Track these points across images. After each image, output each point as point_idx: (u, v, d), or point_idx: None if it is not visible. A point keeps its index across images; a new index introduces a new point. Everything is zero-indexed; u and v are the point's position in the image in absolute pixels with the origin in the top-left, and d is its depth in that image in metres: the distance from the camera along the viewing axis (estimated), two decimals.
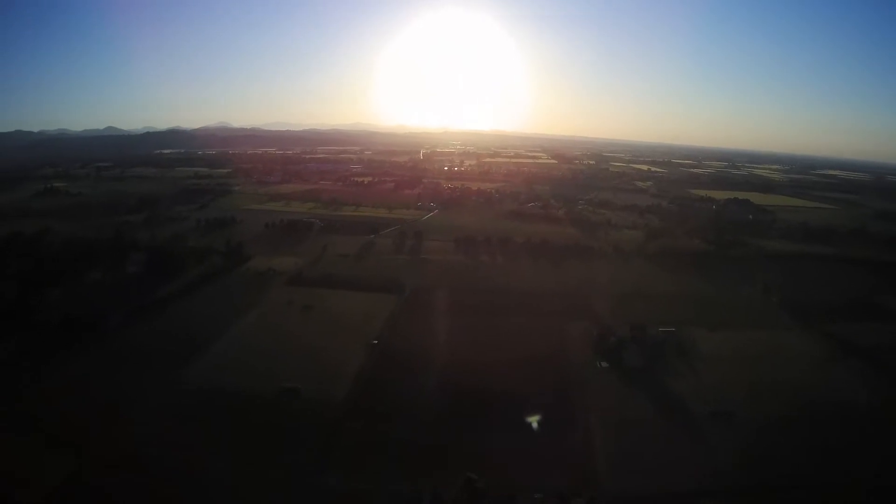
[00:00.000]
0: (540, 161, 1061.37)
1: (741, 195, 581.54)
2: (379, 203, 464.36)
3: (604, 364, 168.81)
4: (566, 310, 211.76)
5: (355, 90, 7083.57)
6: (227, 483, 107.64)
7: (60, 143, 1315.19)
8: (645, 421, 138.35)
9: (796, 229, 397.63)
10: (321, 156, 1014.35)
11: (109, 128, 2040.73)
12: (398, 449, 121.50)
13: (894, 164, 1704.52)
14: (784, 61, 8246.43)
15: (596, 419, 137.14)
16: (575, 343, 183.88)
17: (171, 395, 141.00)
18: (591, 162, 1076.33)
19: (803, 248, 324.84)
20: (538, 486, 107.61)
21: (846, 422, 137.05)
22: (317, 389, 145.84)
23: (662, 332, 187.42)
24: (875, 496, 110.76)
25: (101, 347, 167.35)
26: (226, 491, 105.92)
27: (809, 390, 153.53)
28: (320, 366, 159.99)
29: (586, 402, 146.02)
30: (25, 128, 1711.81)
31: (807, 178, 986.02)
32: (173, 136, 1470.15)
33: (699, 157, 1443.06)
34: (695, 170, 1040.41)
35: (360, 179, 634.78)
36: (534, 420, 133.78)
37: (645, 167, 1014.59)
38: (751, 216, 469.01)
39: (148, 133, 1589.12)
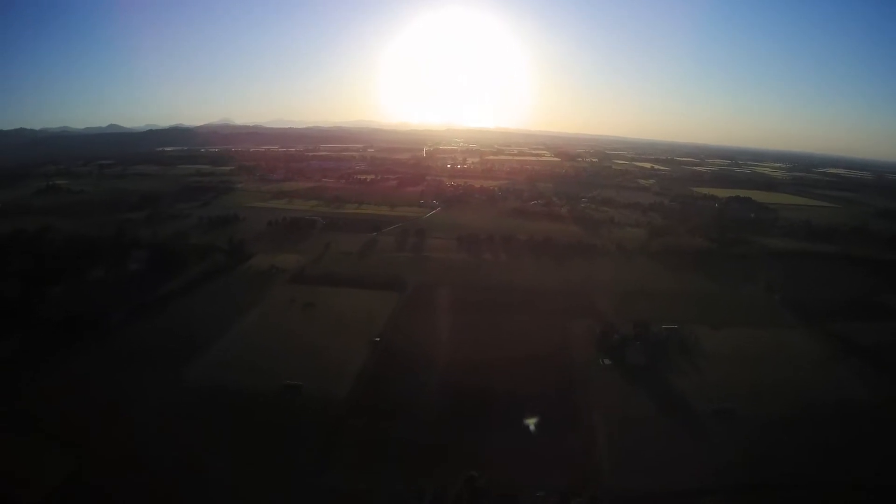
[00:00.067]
0: (543, 158, 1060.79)
1: (743, 193, 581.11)
2: (382, 201, 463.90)
3: (606, 361, 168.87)
4: (569, 307, 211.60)
5: (358, 88, 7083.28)
6: (229, 482, 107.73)
7: (63, 140, 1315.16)
8: (647, 419, 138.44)
9: (799, 227, 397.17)
10: (324, 153, 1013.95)
11: (112, 125, 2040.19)
12: (399, 448, 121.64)
13: None
14: (787, 59, 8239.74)
15: (598, 417, 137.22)
16: (578, 341, 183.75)
17: (172, 393, 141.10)
18: (593, 159, 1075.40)
19: (806, 247, 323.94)
20: (540, 485, 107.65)
21: (847, 420, 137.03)
22: (319, 387, 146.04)
23: (665, 329, 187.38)
24: (875, 495, 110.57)
25: (102, 345, 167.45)
26: (227, 490, 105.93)
27: (811, 389, 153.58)
28: (322, 363, 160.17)
29: (589, 400, 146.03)
30: (28, 126, 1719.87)
31: (809, 177, 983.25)
32: (175, 134, 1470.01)
33: (702, 154, 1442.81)
34: (697, 168, 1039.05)
35: (362, 177, 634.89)
36: (536, 420, 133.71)
37: (648, 165, 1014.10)
38: (753, 214, 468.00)
39: (150, 131, 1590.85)
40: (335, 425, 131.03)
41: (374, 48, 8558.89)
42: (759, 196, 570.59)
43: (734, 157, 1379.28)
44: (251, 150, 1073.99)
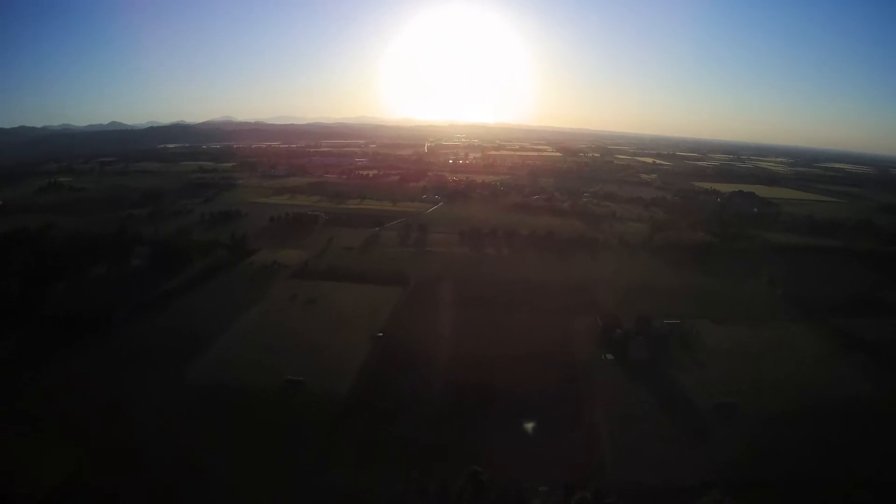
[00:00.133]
0: (545, 154, 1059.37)
1: (746, 188, 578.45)
2: (384, 196, 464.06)
3: (609, 356, 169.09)
4: (571, 302, 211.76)
5: (360, 84, 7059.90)
6: (231, 480, 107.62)
7: (64, 138, 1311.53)
8: (649, 414, 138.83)
9: (801, 222, 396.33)
10: (326, 149, 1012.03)
11: (113, 123, 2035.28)
12: (402, 444, 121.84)
13: None
14: (789, 54, 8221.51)
15: (601, 412, 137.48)
16: (580, 336, 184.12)
17: (174, 391, 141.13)
18: (595, 154, 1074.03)
19: (808, 242, 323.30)
20: (543, 480, 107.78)
21: (850, 416, 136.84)
22: (321, 382, 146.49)
23: (667, 324, 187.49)
24: (877, 492, 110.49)
25: (104, 343, 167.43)
26: (229, 488, 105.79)
27: (813, 384, 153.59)
28: (325, 359, 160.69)
29: (591, 396, 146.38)
30: (29, 123, 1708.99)
31: (811, 171, 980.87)
32: (177, 131, 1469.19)
33: (704, 149, 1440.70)
34: (699, 162, 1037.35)
35: (365, 172, 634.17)
36: (539, 416, 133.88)
37: (650, 160, 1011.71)
38: (755, 209, 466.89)
39: (152, 128, 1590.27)
40: (337, 421, 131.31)
41: (376, 44, 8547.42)
42: (761, 191, 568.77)
43: (736, 152, 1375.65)
44: (253, 146, 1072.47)
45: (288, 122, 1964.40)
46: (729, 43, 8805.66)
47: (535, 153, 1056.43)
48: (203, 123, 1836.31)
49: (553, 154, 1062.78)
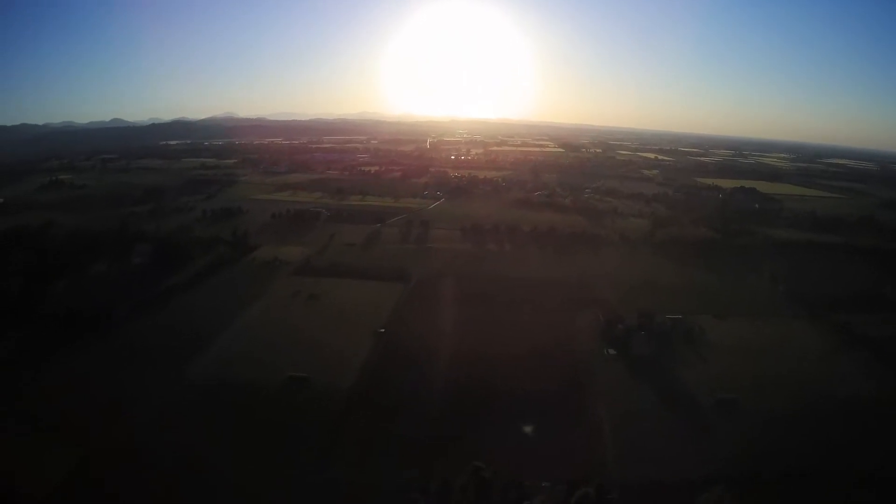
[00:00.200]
0: (546, 149, 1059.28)
1: (748, 184, 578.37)
2: (385, 192, 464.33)
3: (611, 352, 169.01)
4: (573, 298, 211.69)
5: (362, 80, 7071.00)
6: (234, 477, 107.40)
7: (66, 135, 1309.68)
8: (652, 409, 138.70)
9: (803, 218, 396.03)
10: (327, 145, 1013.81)
11: (115, 120, 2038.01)
12: (404, 440, 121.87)
13: None
14: (791, 50, 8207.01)
15: (604, 408, 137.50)
16: (582, 332, 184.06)
17: (176, 389, 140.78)
18: (597, 150, 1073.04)
19: (810, 238, 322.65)
20: (545, 476, 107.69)
21: (851, 413, 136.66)
22: (323, 379, 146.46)
23: (670, 320, 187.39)
24: (879, 488, 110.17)
25: (105, 342, 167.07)
26: (233, 485, 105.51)
27: (815, 380, 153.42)
28: (327, 355, 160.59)
29: (594, 392, 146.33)
30: (31, 121, 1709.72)
31: (813, 167, 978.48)
32: (179, 127, 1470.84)
33: (706, 145, 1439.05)
34: (701, 158, 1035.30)
35: (366, 169, 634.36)
36: (542, 411, 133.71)
37: (651, 155, 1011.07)
38: (757, 205, 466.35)
39: (154, 124, 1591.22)
40: (339, 418, 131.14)
41: (378, 40, 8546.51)
42: (763, 187, 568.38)
43: (738, 148, 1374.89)
44: (255, 142, 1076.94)
45: (289, 119, 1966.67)
46: (731, 39, 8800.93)
47: (537, 149, 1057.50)
48: (205, 120, 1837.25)
49: (555, 150, 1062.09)
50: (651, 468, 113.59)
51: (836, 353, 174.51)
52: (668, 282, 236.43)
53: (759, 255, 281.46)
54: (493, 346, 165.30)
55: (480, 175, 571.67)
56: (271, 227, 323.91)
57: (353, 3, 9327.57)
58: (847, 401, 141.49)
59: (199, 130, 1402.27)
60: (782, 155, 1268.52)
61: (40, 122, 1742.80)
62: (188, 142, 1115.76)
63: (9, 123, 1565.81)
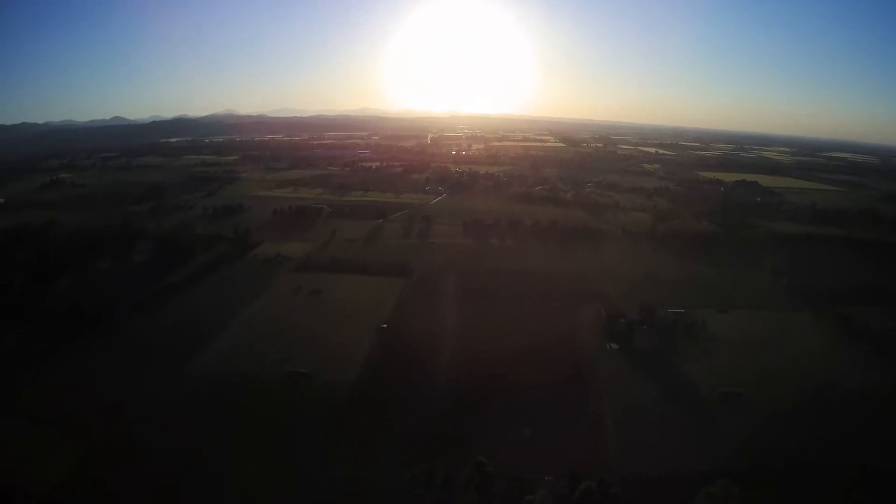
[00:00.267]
0: (547, 144, 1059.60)
1: (749, 177, 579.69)
2: (387, 188, 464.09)
3: (613, 346, 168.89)
4: (575, 292, 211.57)
5: (362, 76, 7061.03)
6: (233, 475, 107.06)
7: (66, 134, 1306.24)
8: (655, 404, 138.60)
9: (804, 211, 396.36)
10: (329, 141, 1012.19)
11: (115, 118, 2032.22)
12: (406, 435, 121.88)
13: None
14: (792, 44, 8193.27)
15: (606, 403, 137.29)
16: (584, 326, 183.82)
17: (177, 387, 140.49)
18: (598, 145, 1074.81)
19: (811, 230, 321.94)
20: (548, 470, 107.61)
21: (854, 405, 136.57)
22: (325, 375, 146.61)
23: (672, 313, 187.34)
24: (882, 481, 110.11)
25: (106, 340, 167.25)
26: (231, 484, 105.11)
27: (818, 374, 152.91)
28: (329, 351, 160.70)
29: (597, 386, 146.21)
30: (31, 120, 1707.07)
31: (814, 161, 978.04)
32: (180, 125, 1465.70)
33: (707, 139, 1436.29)
34: (703, 152, 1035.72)
35: (367, 164, 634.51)
36: (544, 406, 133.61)
37: (652, 150, 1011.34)
38: (759, 198, 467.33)
39: (154, 122, 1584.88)
40: (341, 414, 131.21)
41: (378, 36, 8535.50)
42: (764, 180, 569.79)
43: (739, 142, 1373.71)
44: (256, 139, 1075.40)
45: (290, 115, 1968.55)
46: (732, 33, 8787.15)
47: (538, 143, 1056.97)
48: (206, 117, 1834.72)
49: (556, 144, 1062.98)
50: (654, 462, 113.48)
51: (838, 345, 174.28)
52: (670, 275, 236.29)
53: (760, 249, 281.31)
54: (495, 342, 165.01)
55: (481, 170, 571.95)
56: (273, 224, 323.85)
57: (353, 0, 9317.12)
58: (850, 394, 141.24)
59: (199, 128, 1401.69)
60: (783, 149, 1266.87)
61: (40, 121, 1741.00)
62: (189, 139, 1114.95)
63: (9, 122, 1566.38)
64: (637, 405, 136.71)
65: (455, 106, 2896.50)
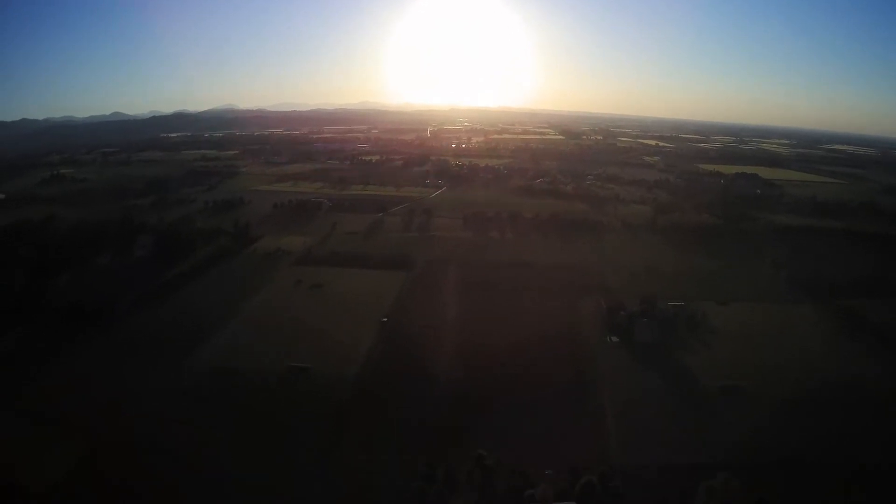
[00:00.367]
0: (547, 137, 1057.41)
1: (749, 170, 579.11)
2: (387, 181, 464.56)
3: (613, 339, 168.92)
4: (576, 285, 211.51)
5: (362, 69, 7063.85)
6: (232, 472, 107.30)
7: (66, 130, 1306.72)
8: (655, 397, 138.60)
9: (804, 204, 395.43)
10: (328, 135, 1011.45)
11: (115, 113, 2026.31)
12: (407, 429, 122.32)
13: None
14: (791, 36, 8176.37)
15: (607, 396, 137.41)
16: (585, 319, 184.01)
17: (178, 383, 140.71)
18: (598, 137, 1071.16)
19: (812, 223, 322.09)
20: (549, 464, 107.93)
21: (855, 398, 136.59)
22: (326, 369, 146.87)
23: (672, 306, 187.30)
24: (883, 475, 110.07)
25: (106, 336, 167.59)
26: (231, 482, 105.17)
27: (818, 365, 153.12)
28: (329, 345, 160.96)
29: (597, 379, 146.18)
30: (31, 116, 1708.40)
31: (814, 153, 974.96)
32: (179, 120, 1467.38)
33: (706, 132, 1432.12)
34: (702, 145, 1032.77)
35: (367, 158, 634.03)
36: (544, 401, 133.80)
37: (653, 142, 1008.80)
38: (759, 191, 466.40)
39: (154, 117, 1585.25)
40: (342, 409, 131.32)
41: (378, 30, 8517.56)
42: (764, 172, 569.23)
43: (739, 134, 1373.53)
44: (255, 133, 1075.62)
45: (290, 109, 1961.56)
46: (731, 25, 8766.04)
47: (538, 136, 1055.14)
48: (205, 112, 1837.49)
49: (555, 137, 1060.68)
50: (655, 456, 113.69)
51: (838, 338, 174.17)
52: (671, 268, 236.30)
53: (760, 241, 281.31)
54: (496, 336, 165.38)
55: (481, 163, 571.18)
56: (273, 218, 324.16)
57: None
58: (851, 386, 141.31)
59: (199, 122, 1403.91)
60: (783, 141, 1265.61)
61: (40, 118, 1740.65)
62: (188, 134, 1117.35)
63: (9, 119, 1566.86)
64: (637, 398, 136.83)
65: (455, 99, 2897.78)
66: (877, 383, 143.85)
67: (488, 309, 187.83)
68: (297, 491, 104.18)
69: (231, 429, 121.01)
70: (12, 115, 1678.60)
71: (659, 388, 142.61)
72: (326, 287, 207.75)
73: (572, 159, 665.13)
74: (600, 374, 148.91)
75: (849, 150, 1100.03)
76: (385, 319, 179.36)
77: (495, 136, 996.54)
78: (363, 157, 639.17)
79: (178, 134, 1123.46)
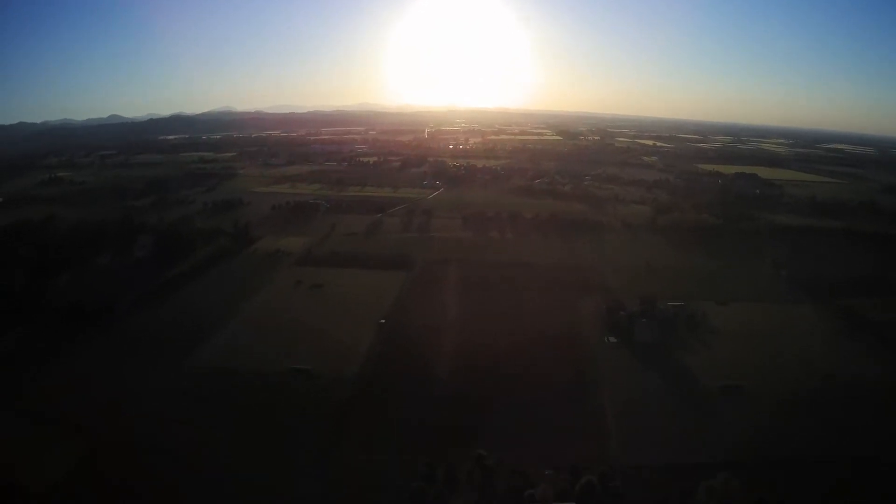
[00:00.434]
0: (545, 137, 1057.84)
1: (748, 170, 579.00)
2: (385, 182, 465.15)
3: (613, 339, 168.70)
4: (575, 285, 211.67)
5: (360, 71, 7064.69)
6: (232, 472, 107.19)
7: (64, 132, 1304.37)
8: (656, 397, 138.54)
9: (804, 203, 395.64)
10: (326, 137, 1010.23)
11: (113, 116, 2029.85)
12: (407, 429, 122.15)
13: None
14: (789, 35, 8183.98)
15: (607, 396, 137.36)
16: (585, 319, 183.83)
17: (178, 383, 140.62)
18: (596, 137, 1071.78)
19: (811, 223, 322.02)
20: (549, 464, 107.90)
21: (855, 397, 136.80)
22: (326, 371, 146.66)
23: (672, 306, 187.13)
24: (883, 473, 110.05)
25: (106, 336, 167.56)
26: (231, 481, 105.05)
27: (818, 365, 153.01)
28: (329, 346, 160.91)
29: (597, 379, 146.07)
30: (28, 119, 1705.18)
31: (813, 153, 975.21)
32: (177, 122, 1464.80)
33: (705, 131, 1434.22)
34: (701, 144, 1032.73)
35: (365, 159, 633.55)
36: (544, 401, 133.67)
37: (650, 142, 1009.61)
38: (758, 190, 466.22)
39: (151, 120, 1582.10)
40: (342, 410, 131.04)
41: (375, 31, 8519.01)
42: (763, 172, 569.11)
43: (738, 134, 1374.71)
44: (253, 135, 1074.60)
45: (288, 111, 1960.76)
46: (729, 25, 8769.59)
47: (536, 137, 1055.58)
48: (203, 114, 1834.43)
49: (553, 137, 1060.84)
50: (655, 456, 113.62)
51: (838, 337, 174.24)
52: (670, 268, 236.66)
53: (760, 241, 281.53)
54: (496, 336, 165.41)
55: (479, 164, 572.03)
56: (272, 219, 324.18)
57: None
58: (851, 385, 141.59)
59: (197, 125, 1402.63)
60: (781, 141, 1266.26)
61: (38, 121, 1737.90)
62: (186, 136, 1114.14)
63: (6, 122, 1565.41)
64: (637, 398, 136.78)
65: (452, 100, 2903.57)
66: (877, 382, 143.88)
67: (488, 309, 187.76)
68: (297, 491, 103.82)
69: (231, 429, 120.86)
70: (9, 118, 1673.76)
71: (659, 388, 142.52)
72: (326, 287, 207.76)
73: (570, 160, 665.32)
74: (600, 374, 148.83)
75: (848, 150, 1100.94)
76: (383, 321, 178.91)
77: (493, 137, 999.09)
78: (361, 159, 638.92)
79: (176, 136, 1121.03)
